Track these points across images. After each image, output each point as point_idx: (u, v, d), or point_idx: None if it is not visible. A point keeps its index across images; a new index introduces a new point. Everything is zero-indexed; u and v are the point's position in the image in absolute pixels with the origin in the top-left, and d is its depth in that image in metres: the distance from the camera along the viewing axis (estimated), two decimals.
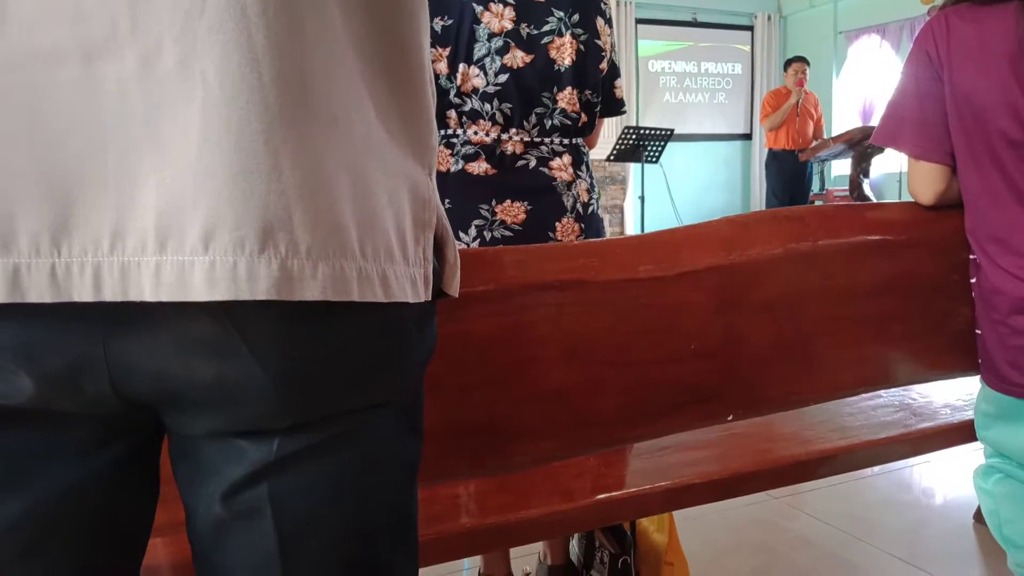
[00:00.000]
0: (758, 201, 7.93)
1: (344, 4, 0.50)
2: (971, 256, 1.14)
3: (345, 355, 0.51)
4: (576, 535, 1.57)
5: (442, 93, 1.34)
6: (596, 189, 1.49)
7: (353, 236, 0.48)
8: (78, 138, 0.44)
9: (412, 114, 0.56)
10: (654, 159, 5.97)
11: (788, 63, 6.45)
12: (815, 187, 6.96)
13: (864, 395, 1.47)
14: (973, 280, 1.14)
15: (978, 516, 1.92)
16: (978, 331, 1.14)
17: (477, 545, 1.13)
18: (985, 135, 1.07)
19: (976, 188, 1.10)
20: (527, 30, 1.34)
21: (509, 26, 1.33)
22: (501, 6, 1.33)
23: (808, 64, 6.30)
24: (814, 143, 6.21)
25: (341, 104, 0.49)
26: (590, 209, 1.45)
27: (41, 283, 0.44)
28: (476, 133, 1.36)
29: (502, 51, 1.32)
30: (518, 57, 1.33)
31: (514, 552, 1.54)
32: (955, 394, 1.53)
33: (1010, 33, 1.04)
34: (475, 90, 1.33)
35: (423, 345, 0.58)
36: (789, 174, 6.26)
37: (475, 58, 1.32)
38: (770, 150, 6.40)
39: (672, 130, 5.95)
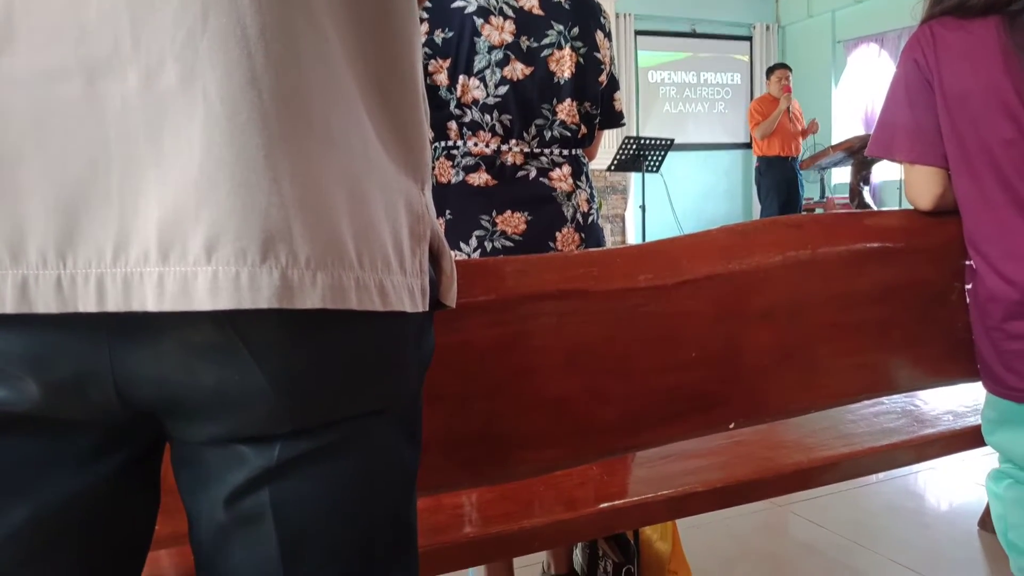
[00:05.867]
0: (759, 209, 7.94)
1: (339, 25, 0.51)
2: (967, 262, 1.14)
3: (344, 362, 0.52)
4: (579, 544, 1.56)
5: (442, 104, 1.35)
6: (596, 199, 1.50)
7: (350, 247, 0.49)
8: (83, 153, 0.45)
9: (406, 131, 0.57)
10: (654, 169, 5.98)
11: (770, 70, 6.36)
12: (816, 195, 6.96)
13: (866, 402, 1.47)
14: (969, 286, 1.14)
15: (983, 522, 1.91)
16: (975, 337, 1.15)
17: (480, 555, 1.13)
18: (979, 137, 1.07)
19: (970, 192, 1.11)
20: (527, 43, 1.35)
21: (509, 39, 1.34)
22: (501, 19, 1.34)
23: (791, 70, 6.25)
24: (804, 152, 6.18)
25: (338, 121, 0.50)
26: (590, 219, 1.45)
27: (48, 294, 0.45)
28: (476, 144, 1.36)
29: (502, 63, 1.33)
30: (518, 69, 1.34)
31: (517, 562, 1.53)
32: (958, 400, 1.53)
33: (995, 41, 1.05)
34: (475, 101, 1.34)
35: (421, 354, 0.59)
36: (781, 181, 6.21)
37: (475, 70, 1.33)
38: (761, 157, 6.31)
39: (672, 140, 5.97)
